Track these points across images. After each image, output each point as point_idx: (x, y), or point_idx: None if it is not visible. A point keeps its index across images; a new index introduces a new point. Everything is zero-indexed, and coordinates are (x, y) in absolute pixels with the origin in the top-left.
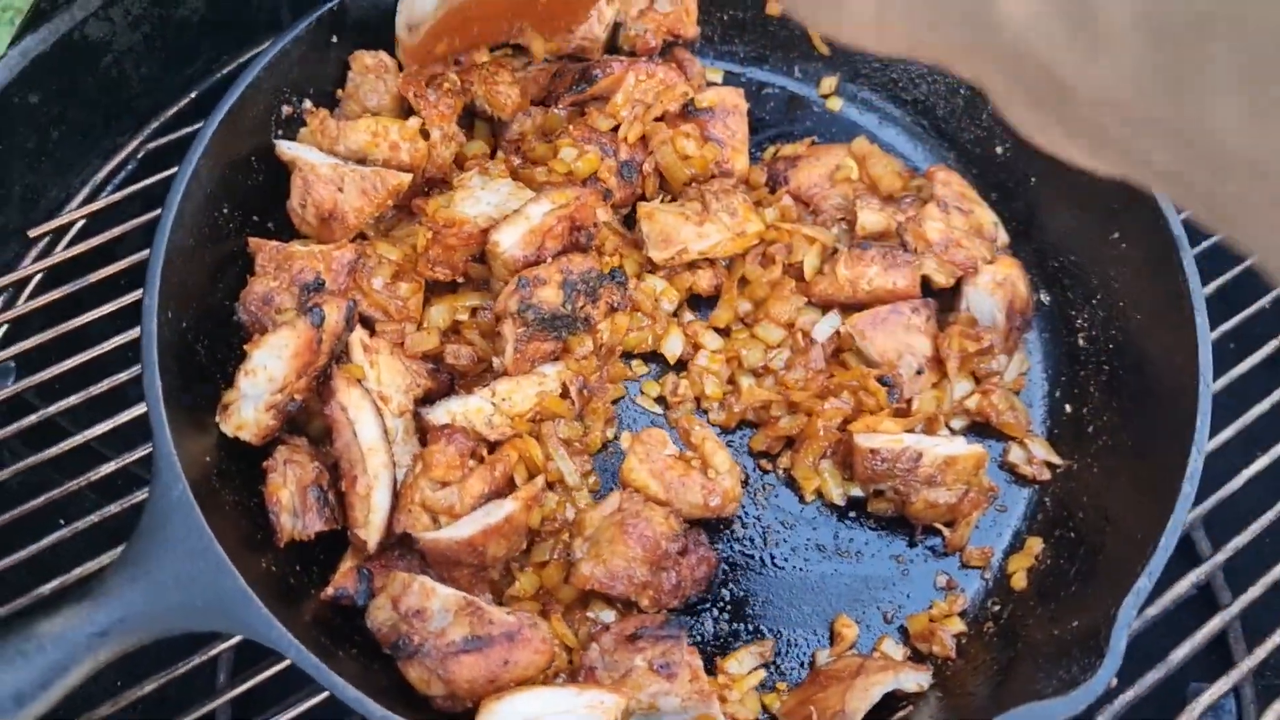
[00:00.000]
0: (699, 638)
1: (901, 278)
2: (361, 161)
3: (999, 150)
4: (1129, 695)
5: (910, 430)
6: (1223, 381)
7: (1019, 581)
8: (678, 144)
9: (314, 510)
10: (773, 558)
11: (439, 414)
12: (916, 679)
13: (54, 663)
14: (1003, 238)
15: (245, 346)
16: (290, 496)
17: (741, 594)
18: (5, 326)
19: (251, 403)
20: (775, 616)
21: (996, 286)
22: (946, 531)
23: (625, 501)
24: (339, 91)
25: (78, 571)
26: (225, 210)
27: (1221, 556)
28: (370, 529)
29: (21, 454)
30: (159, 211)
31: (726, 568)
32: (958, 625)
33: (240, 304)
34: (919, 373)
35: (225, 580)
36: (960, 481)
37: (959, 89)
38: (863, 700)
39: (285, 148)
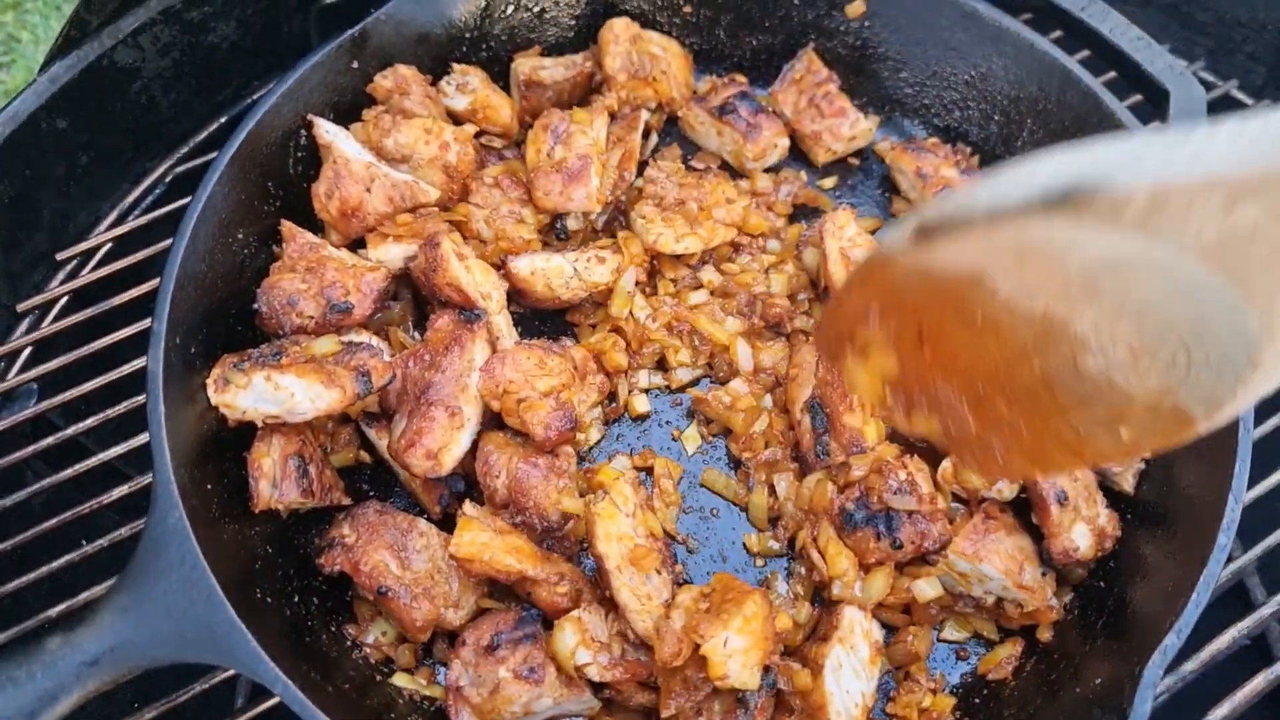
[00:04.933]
0: None
1: None
2: (406, 159)
3: None
4: None
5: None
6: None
7: (1044, 634)
8: None
9: (292, 479)
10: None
11: (522, 265)
12: None
13: (44, 691)
14: None
15: (285, 364)
16: (272, 465)
17: None
18: (30, 348)
19: (255, 403)
20: None
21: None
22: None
23: None
24: (364, 112)
25: (84, 596)
26: (241, 235)
27: (1269, 609)
28: (447, 457)
29: (44, 473)
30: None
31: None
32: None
33: (262, 294)
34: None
35: (216, 612)
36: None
37: (993, 115)
38: None
39: (324, 130)
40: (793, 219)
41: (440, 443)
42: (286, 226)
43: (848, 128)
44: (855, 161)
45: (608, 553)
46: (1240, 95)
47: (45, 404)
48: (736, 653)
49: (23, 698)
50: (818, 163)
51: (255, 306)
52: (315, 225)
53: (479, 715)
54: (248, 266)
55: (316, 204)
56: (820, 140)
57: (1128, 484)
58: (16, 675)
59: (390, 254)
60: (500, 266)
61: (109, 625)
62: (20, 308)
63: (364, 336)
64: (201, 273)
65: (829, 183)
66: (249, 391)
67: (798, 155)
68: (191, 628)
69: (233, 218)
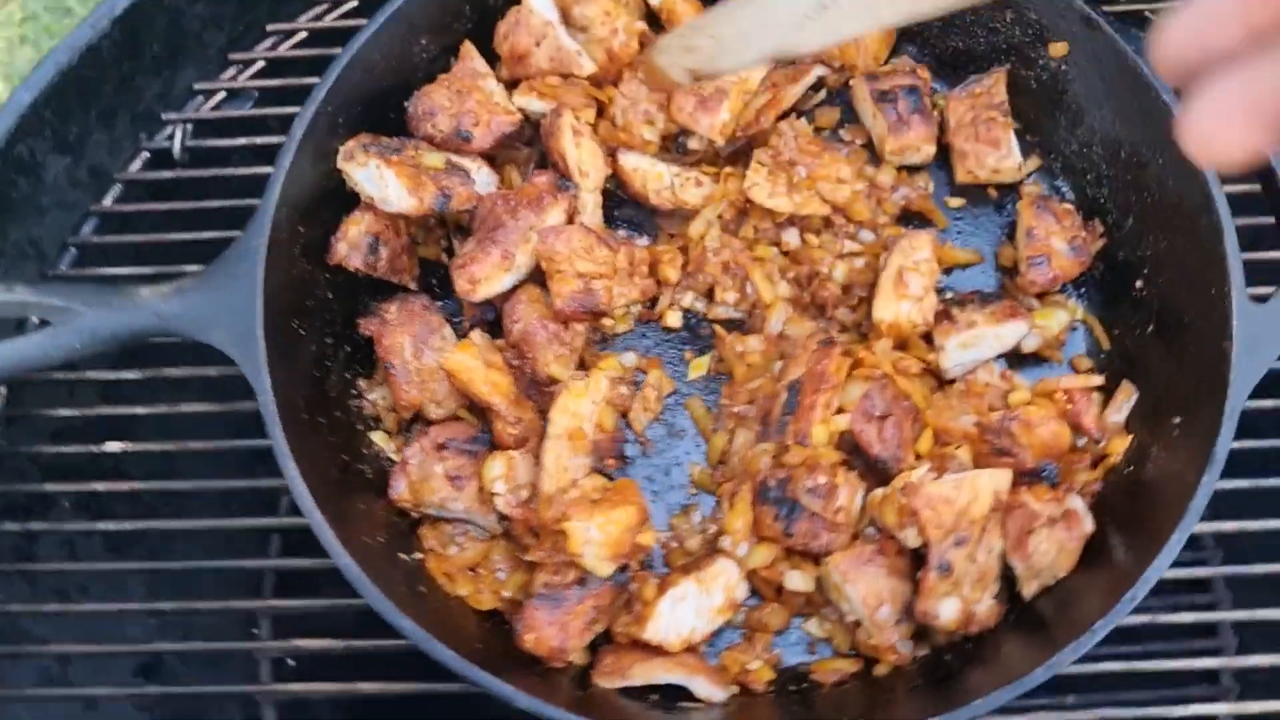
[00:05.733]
0: None
1: None
2: (584, 30)
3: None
4: None
5: None
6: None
7: (881, 669)
8: None
9: (362, 251)
10: None
11: (629, 160)
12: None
13: (123, 322)
14: None
15: (394, 161)
16: (357, 233)
17: None
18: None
19: (364, 181)
20: None
21: None
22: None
23: None
24: None
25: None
26: (424, 41)
27: None
28: (483, 288)
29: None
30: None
31: None
32: None
33: (415, 96)
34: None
35: (248, 324)
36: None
37: (1133, 209)
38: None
39: None
40: (906, 223)
41: (484, 274)
42: (466, 46)
43: (993, 159)
44: (994, 193)
45: (555, 419)
46: None
47: (263, 109)
48: (594, 543)
49: (109, 322)
50: (956, 180)
51: (405, 104)
52: (492, 56)
53: (409, 489)
54: (421, 70)
55: (496, 39)
56: (964, 160)
57: (1029, 591)
58: (112, 301)
59: (531, 105)
60: (612, 154)
61: (175, 298)
62: (231, 57)
63: (475, 164)
64: (374, 61)
65: (956, 203)
66: (363, 170)
67: (946, 164)
68: (228, 327)
69: (422, 24)
